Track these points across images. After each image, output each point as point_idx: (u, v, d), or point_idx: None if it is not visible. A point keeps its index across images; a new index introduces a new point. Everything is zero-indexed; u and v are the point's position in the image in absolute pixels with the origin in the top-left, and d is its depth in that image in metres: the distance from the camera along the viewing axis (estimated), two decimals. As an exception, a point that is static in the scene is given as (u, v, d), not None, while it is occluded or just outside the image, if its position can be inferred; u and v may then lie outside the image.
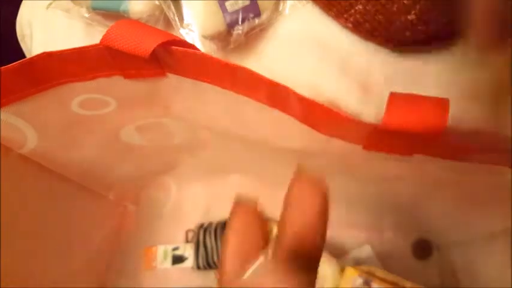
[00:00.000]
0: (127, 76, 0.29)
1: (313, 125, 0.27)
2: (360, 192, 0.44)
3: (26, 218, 0.36)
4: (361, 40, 0.32)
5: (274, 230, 0.52)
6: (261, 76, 0.25)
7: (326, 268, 0.38)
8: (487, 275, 0.42)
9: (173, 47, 0.25)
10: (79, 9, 0.37)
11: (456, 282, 0.45)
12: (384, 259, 0.47)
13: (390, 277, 0.36)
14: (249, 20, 0.31)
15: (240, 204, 0.16)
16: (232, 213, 0.16)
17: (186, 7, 0.33)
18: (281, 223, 0.15)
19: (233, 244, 0.15)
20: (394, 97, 0.23)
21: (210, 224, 0.51)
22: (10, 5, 0.45)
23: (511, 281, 0.37)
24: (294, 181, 0.16)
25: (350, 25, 0.31)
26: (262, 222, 0.16)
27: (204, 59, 0.25)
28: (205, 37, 0.33)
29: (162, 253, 0.51)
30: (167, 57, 0.26)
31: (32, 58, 0.26)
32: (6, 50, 0.45)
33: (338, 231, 0.50)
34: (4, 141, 0.32)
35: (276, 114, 0.28)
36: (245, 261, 0.15)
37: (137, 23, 0.26)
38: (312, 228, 0.15)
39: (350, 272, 0.36)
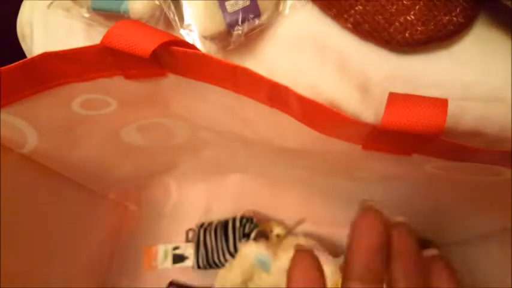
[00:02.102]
0: (128, 76, 0.29)
1: (312, 125, 0.27)
2: (359, 191, 0.44)
3: (27, 218, 0.36)
4: (360, 40, 0.32)
5: (275, 230, 0.52)
6: (261, 76, 0.25)
7: (325, 267, 0.38)
8: (487, 274, 0.42)
9: (173, 47, 0.25)
10: (79, 9, 0.37)
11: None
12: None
13: (389, 276, 0.36)
14: (249, 20, 0.31)
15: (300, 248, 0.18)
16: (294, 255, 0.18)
17: (186, 7, 0.33)
18: (349, 252, 0.18)
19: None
20: (393, 97, 0.23)
21: (210, 223, 0.52)
22: (10, 5, 0.45)
23: (511, 281, 0.37)
24: (360, 215, 0.19)
25: (349, 25, 0.31)
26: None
27: (204, 59, 0.25)
28: (205, 37, 0.33)
29: (162, 252, 0.51)
30: (167, 57, 0.26)
31: (32, 58, 0.26)
32: (6, 50, 0.45)
33: (337, 230, 0.51)
34: (4, 141, 0.32)
35: (276, 114, 0.28)
36: None
37: (137, 23, 0.26)
38: (377, 255, 0.17)
39: (349, 271, 0.36)
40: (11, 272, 0.33)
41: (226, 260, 0.48)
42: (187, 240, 0.52)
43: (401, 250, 0.19)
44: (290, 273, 0.18)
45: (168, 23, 0.34)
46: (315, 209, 0.52)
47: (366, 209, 0.19)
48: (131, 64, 0.27)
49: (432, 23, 0.30)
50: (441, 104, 0.22)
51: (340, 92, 0.32)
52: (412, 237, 0.20)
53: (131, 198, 0.54)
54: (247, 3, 0.31)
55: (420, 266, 0.19)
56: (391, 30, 0.30)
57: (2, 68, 0.25)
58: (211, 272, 0.49)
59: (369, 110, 0.32)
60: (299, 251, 0.19)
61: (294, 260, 0.18)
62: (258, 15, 0.31)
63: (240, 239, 0.48)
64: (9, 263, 0.32)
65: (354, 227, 0.19)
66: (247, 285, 0.43)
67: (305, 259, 0.18)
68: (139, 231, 0.53)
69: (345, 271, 0.18)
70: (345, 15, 0.31)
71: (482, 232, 0.43)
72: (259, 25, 0.32)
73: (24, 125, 0.31)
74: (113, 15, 0.36)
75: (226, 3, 0.31)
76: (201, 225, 0.52)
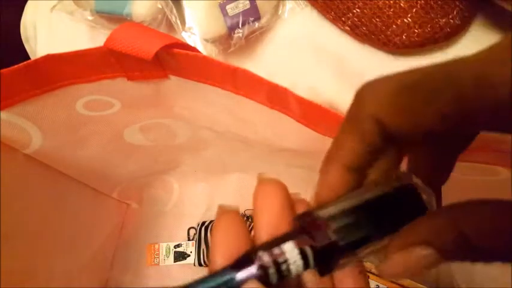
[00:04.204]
0: (130, 78, 0.29)
1: (311, 125, 0.28)
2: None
3: (31, 217, 0.36)
4: (358, 43, 0.32)
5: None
6: (261, 78, 0.25)
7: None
8: (483, 273, 0.43)
9: (175, 49, 0.26)
10: (83, 12, 0.38)
11: (452, 281, 0.45)
12: (381, 256, 0.47)
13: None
14: (249, 23, 0.31)
15: (223, 209, 0.17)
16: (218, 215, 0.16)
17: (188, 11, 0.33)
18: (255, 230, 0.16)
19: (221, 239, 0.15)
20: None
21: (212, 221, 0.52)
22: (14, 7, 0.46)
23: (510, 281, 0.37)
24: (256, 189, 0.17)
25: (347, 28, 0.31)
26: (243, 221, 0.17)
27: (205, 61, 0.26)
28: (206, 40, 0.34)
29: (164, 250, 0.52)
30: (169, 59, 0.27)
31: (36, 60, 0.26)
32: (10, 51, 0.45)
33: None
34: (9, 142, 0.32)
35: (276, 114, 0.29)
36: (235, 253, 0.15)
37: (140, 26, 0.27)
38: (280, 224, 0.15)
39: (348, 268, 0.36)
40: (15, 269, 0.33)
41: (227, 258, 0.48)
42: (189, 239, 0.53)
43: None
44: (212, 235, 0.15)
45: (170, 25, 0.35)
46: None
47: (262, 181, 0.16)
48: (134, 66, 0.28)
49: (429, 26, 0.31)
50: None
51: (338, 93, 0.33)
52: None
53: (133, 197, 0.54)
54: (247, 6, 0.31)
55: None
56: (388, 32, 0.31)
57: (6, 69, 0.26)
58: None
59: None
60: (221, 211, 0.16)
61: (216, 221, 0.16)
62: (257, 18, 0.32)
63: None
64: (14, 260, 0.33)
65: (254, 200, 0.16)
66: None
67: (228, 220, 0.16)
68: (141, 230, 0.53)
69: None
70: (343, 18, 0.32)
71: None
72: (259, 28, 0.32)
73: (29, 125, 0.31)
74: (116, 18, 0.37)
75: (227, 6, 0.32)
76: (202, 224, 0.52)
